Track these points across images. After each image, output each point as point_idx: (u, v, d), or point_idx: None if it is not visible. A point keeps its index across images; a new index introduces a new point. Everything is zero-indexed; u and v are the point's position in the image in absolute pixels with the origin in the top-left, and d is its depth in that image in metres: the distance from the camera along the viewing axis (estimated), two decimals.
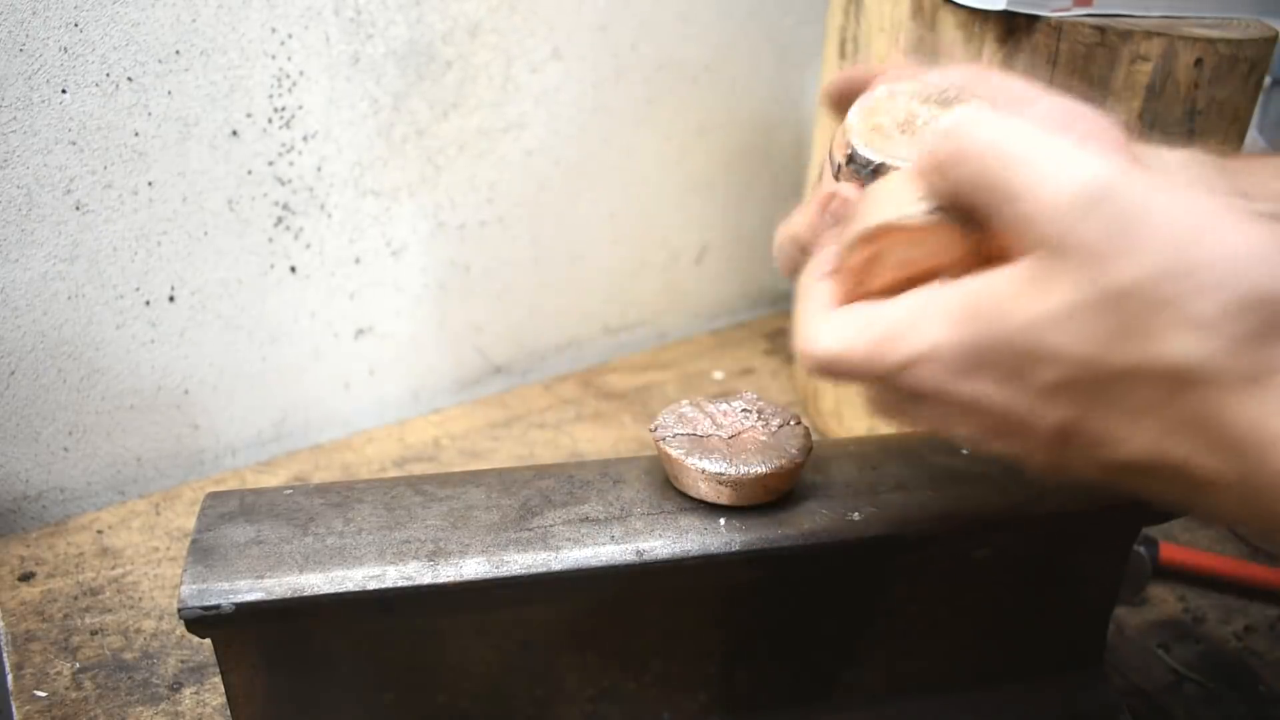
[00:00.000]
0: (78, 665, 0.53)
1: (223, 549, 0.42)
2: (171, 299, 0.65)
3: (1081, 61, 0.54)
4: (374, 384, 0.77)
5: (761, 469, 0.44)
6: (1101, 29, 0.53)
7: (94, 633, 0.55)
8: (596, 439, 0.75)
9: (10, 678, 0.52)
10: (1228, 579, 0.63)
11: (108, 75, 0.58)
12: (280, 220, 0.67)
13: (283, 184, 0.67)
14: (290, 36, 0.63)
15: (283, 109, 0.65)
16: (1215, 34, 0.53)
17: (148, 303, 0.64)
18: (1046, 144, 0.27)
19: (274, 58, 0.63)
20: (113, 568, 0.60)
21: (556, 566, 0.42)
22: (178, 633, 0.55)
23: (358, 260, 0.72)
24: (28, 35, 0.55)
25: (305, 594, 0.40)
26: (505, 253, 0.79)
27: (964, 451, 0.49)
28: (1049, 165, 0.27)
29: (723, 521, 0.45)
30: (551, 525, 0.44)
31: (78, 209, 0.60)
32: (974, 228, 0.30)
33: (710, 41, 0.82)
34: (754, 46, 0.85)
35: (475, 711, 0.46)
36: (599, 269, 0.85)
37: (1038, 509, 0.47)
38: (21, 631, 0.55)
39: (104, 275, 0.62)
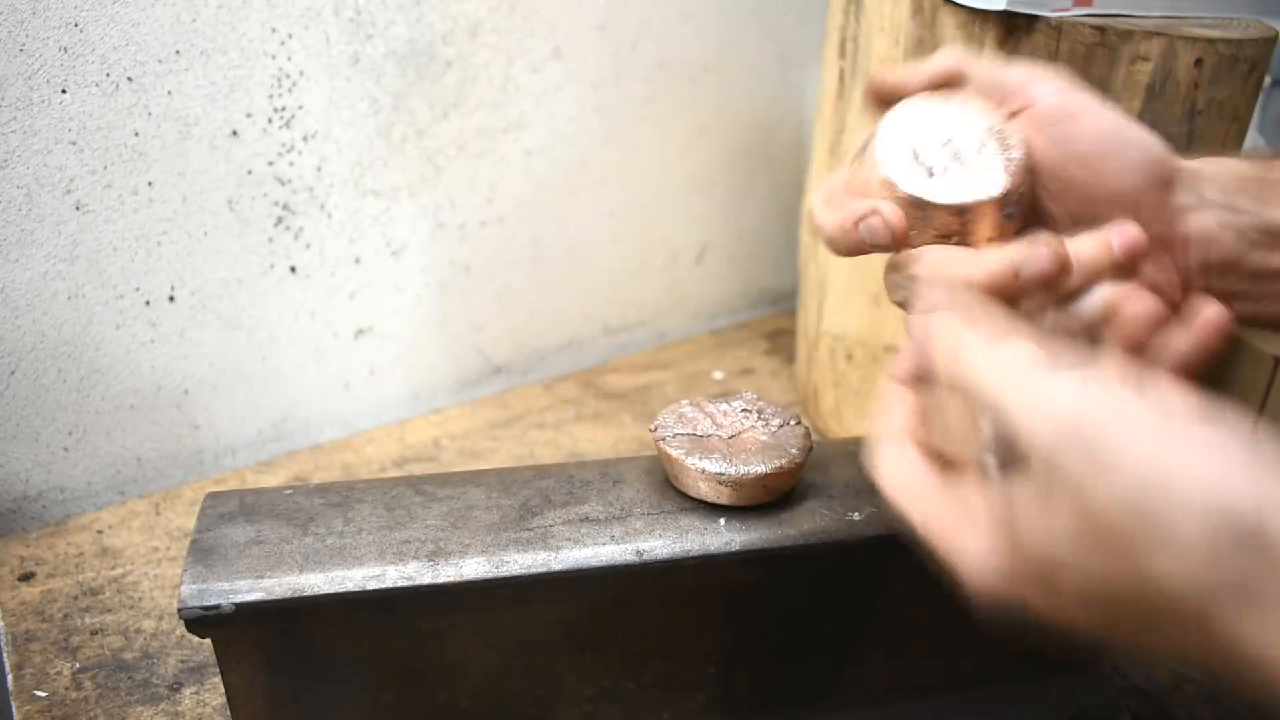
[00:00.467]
0: (78, 665, 0.53)
1: (223, 549, 0.42)
2: (171, 299, 0.65)
3: (1081, 61, 0.54)
4: (374, 384, 0.77)
5: (761, 469, 0.44)
6: (1101, 29, 0.53)
7: (94, 633, 0.55)
8: (596, 439, 0.75)
9: (10, 678, 0.52)
10: None
11: (108, 75, 0.58)
12: (280, 220, 0.67)
13: (283, 184, 0.67)
14: (290, 36, 0.63)
15: (283, 109, 0.65)
16: (1215, 34, 0.53)
17: (148, 303, 0.64)
18: (1030, 371, 0.29)
19: (274, 58, 0.63)
20: (113, 568, 0.60)
21: (556, 566, 0.42)
22: (178, 633, 0.55)
23: (358, 260, 0.72)
24: (28, 35, 0.55)
25: (305, 594, 0.40)
26: (505, 253, 0.79)
27: None
28: (1032, 395, 0.29)
29: (723, 521, 0.45)
30: (551, 525, 0.44)
31: (78, 209, 0.60)
32: None
33: (710, 41, 0.82)
34: (754, 46, 0.85)
35: (475, 711, 0.46)
36: (599, 269, 0.85)
37: None
38: (21, 631, 0.55)
39: (104, 275, 0.62)
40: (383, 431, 0.76)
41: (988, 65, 0.41)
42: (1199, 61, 0.53)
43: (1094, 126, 0.38)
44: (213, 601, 0.40)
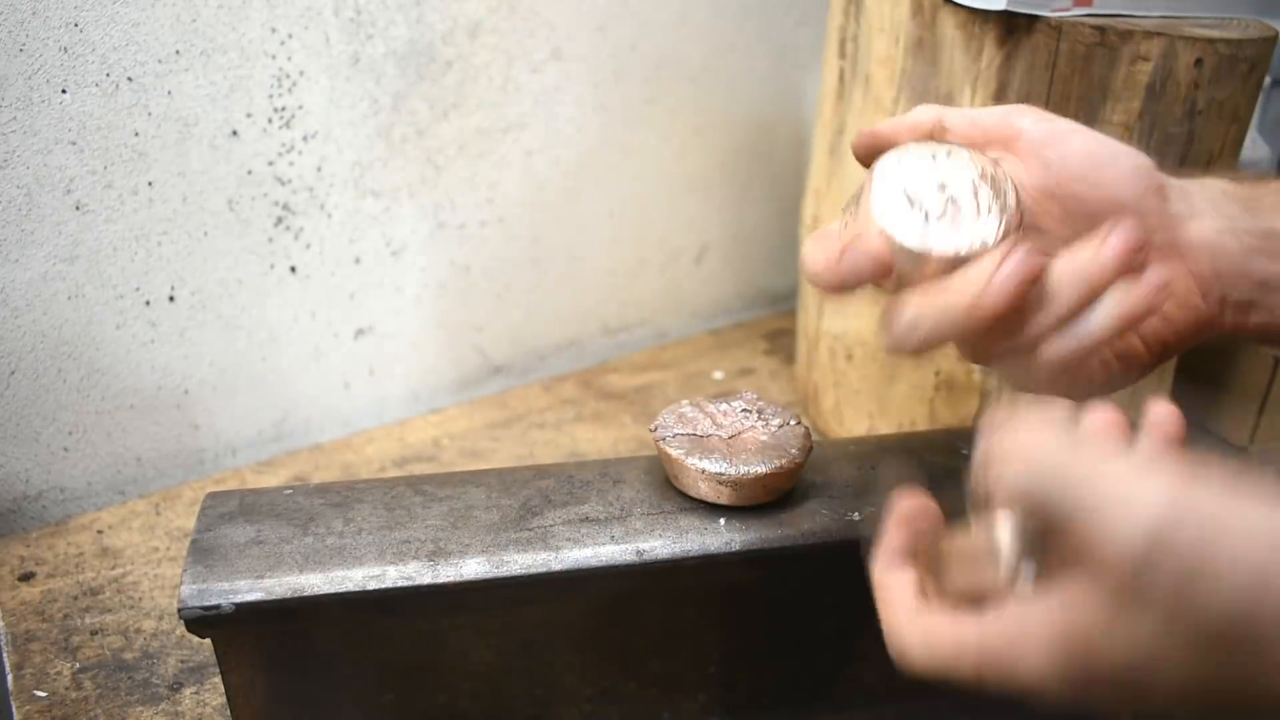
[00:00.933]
0: (78, 665, 0.53)
1: (223, 549, 0.42)
2: (171, 299, 0.65)
3: (1081, 61, 0.54)
4: (374, 384, 0.77)
5: (761, 469, 0.44)
6: (1101, 29, 0.53)
7: (94, 633, 0.55)
8: (596, 439, 0.75)
9: (10, 678, 0.52)
10: None
11: (108, 75, 0.58)
12: (280, 220, 0.67)
13: (283, 184, 0.67)
14: (290, 36, 0.63)
15: (283, 109, 0.65)
16: (1215, 34, 0.53)
17: (148, 303, 0.64)
18: (1108, 477, 0.27)
19: (274, 58, 0.63)
20: (113, 568, 0.60)
21: (556, 566, 0.42)
22: (178, 633, 0.55)
23: (358, 260, 0.72)
24: (28, 35, 0.55)
25: (305, 594, 0.40)
26: (505, 253, 0.79)
27: (964, 452, 0.49)
28: (1113, 507, 0.26)
29: (723, 521, 0.45)
30: (551, 525, 0.44)
31: (78, 209, 0.60)
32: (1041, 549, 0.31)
33: (710, 41, 0.82)
34: (753, 46, 0.85)
35: (475, 711, 0.46)
36: (598, 269, 0.85)
37: None
38: (21, 631, 0.55)
39: (104, 275, 0.62)
40: (383, 431, 0.76)
41: (963, 112, 0.41)
42: (1199, 61, 0.53)
43: (1083, 143, 0.38)
44: (213, 601, 0.40)
